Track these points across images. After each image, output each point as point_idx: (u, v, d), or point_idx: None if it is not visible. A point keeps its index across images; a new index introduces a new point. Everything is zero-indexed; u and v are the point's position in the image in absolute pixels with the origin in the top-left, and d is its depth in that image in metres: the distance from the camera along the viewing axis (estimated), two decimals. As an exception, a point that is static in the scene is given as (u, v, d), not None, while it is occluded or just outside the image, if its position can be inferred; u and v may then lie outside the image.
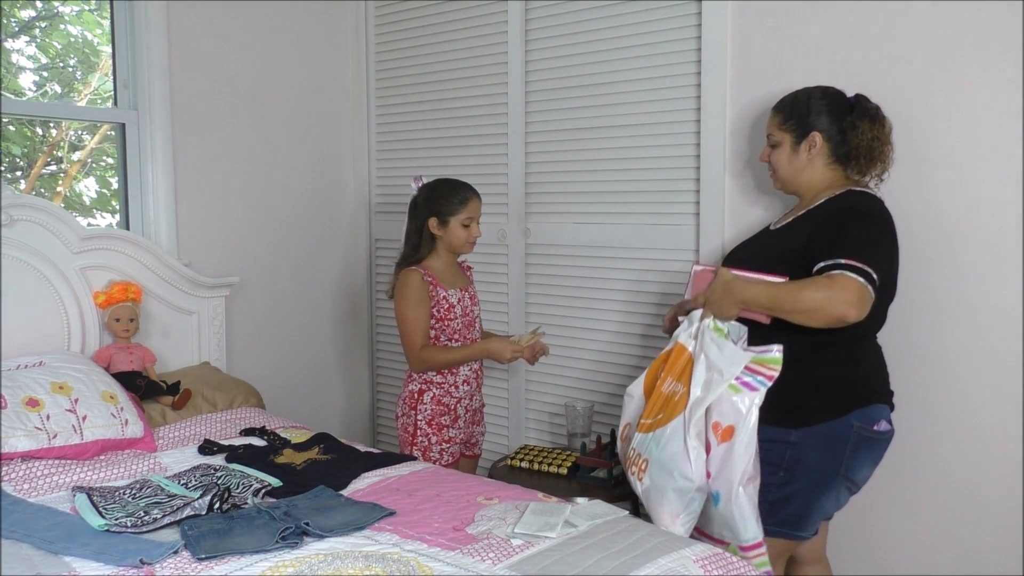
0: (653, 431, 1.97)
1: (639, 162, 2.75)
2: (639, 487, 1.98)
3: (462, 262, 2.71)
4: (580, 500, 1.95)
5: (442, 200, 2.51)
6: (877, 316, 2.00)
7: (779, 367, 1.86)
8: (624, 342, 2.83)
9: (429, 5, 3.27)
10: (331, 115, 3.53)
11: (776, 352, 1.87)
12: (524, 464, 2.68)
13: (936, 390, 2.24)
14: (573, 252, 2.94)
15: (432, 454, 2.53)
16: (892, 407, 2.05)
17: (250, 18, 3.21)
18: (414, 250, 2.55)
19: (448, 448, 2.55)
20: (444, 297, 2.50)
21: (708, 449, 1.89)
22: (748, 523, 1.86)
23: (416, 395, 2.55)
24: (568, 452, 2.74)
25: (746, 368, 1.87)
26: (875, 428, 1.97)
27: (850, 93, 2.09)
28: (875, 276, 1.82)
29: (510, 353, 2.47)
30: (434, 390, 2.54)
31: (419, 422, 2.53)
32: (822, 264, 1.86)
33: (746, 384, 1.86)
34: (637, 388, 2.11)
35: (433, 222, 2.52)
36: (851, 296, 1.79)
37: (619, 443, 2.16)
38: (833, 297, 1.80)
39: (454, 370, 2.54)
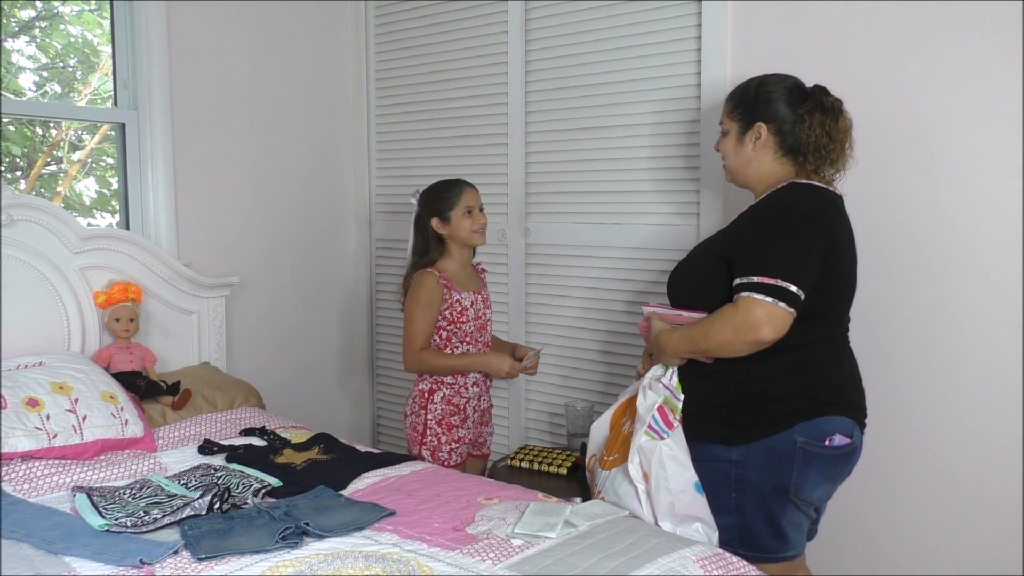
0: (610, 470, 1.99)
1: (639, 162, 2.75)
2: None
3: (476, 264, 2.71)
4: (579, 499, 1.95)
5: (438, 198, 2.54)
6: (832, 317, 1.91)
7: (679, 416, 1.89)
8: (624, 342, 2.83)
9: (429, 5, 3.27)
10: (331, 115, 3.53)
11: (677, 401, 1.90)
12: (524, 464, 2.68)
13: (936, 389, 2.24)
14: (573, 252, 2.94)
15: (441, 454, 2.53)
16: (857, 419, 1.91)
17: (250, 18, 3.21)
18: (423, 255, 2.56)
19: (457, 448, 2.55)
20: (457, 300, 2.51)
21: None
22: None
23: (427, 394, 2.55)
24: (568, 452, 2.74)
25: (658, 410, 1.90)
26: (826, 443, 1.83)
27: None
28: (793, 288, 1.73)
29: (508, 368, 2.48)
30: (444, 390, 2.54)
31: (429, 422, 2.54)
32: (736, 282, 1.81)
33: (656, 431, 1.89)
34: (603, 422, 2.10)
35: (435, 222, 2.53)
36: (757, 318, 1.73)
37: (587, 473, 2.16)
38: (739, 327, 1.76)
39: (465, 372, 2.55)
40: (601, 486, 2.01)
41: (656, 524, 1.88)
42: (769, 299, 1.74)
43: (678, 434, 1.91)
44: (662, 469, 1.86)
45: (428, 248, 2.55)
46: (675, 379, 1.95)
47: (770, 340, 1.75)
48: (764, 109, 1.94)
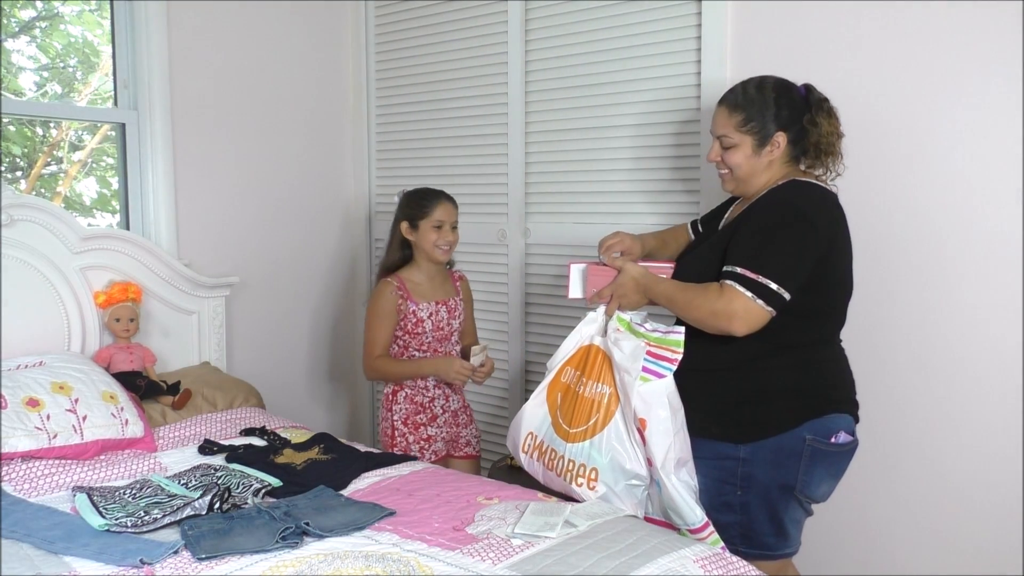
0: (591, 438, 1.94)
1: (639, 162, 2.75)
2: (592, 496, 1.93)
3: (454, 272, 2.72)
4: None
5: (413, 205, 2.57)
6: (834, 316, 1.93)
7: (681, 349, 1.87)
8: (624, 342, 2.83)
9: (429, 5, 3.27)
10: (331, 115, 3.53)
11: (677, 335, 1.88)
12: (524, 464, 2.68)
13: (934, 387, 2.24)
14: (573, 252, 2.94)
15: (413, 452, 2.56)
16: (856, 417, 1.95)
17: (250, 18, 3.21)
18: (388, 254, 2.63)
19: (429, 447, 2.58)
20: (413, 311, 2.54)
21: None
22: (690, 506, 1.84)
23: (391, 396, 2.61)
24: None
25: (649, 354, 1.88)
26: (832, 441, 1.86)
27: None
28: (773, 286, 1.76)
29: (458, 367, 2.48)
30: (406, 390, 2.60)
31: (395, 422, 2.59)
32: (724, 269, 1.83)
33: (653, 372, 1.87)
34: (536, 402, 2.08)
35: (404, 226, 2.57)
36: (734, 310, 1.77)
37: (521, 457, 2.11)
38: (717, 312, 1.80)
39: (417, 377, 2.59)
40: (580, 458, 1.96)
41: (651, 481, 1.89)
42: (749, 294, 1.77)
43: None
44: (663, 409, 1.85)
45: (393, 249, 2.61)
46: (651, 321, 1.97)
47: (740, 334, 1.79)
48: (781, 119, 1.92)
